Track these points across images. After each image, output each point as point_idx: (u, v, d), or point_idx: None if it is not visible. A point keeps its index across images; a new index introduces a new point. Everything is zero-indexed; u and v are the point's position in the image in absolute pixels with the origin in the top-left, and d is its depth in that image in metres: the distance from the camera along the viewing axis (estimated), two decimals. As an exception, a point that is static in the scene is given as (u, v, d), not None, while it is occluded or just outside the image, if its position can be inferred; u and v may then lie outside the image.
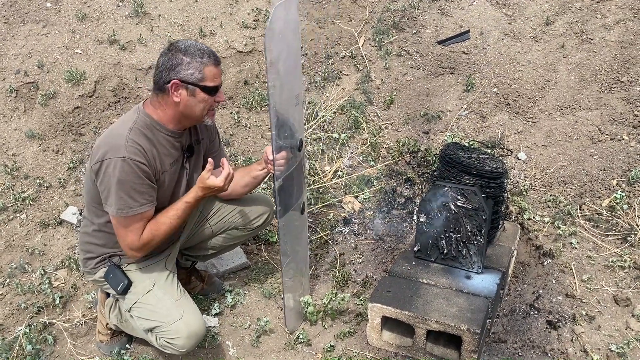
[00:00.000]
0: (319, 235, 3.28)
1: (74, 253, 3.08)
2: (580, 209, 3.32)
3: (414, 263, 2.77)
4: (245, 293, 2.92)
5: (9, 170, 3.42)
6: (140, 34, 4.15)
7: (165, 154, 2.25)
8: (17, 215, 3.27)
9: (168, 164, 2.27)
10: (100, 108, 3.84)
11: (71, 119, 3.75)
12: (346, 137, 3.92)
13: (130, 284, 2.33)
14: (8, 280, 2.94)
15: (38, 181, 3.42)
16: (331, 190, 3.62)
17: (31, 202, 3.32)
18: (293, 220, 2.52)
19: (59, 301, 2.80)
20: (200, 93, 2.15)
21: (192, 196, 2.24)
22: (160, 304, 2.28)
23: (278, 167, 2.28)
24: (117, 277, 2.32)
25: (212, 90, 2.17)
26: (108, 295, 2.54)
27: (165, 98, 2.17)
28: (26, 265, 3.01)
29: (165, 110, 2.20)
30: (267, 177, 2.59)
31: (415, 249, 2.79)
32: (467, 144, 3.64)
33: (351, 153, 3.88)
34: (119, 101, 3.91)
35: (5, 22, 4.03)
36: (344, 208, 3.51)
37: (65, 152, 3.61)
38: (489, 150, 3.34)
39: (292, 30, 2.25)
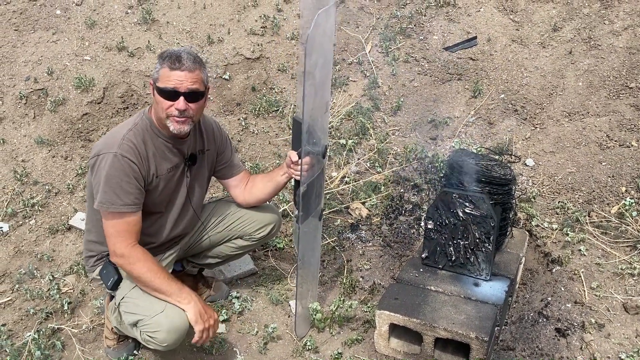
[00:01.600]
0: (326, 242, 3.28)
1: (82, 259, 3.10)
2: (589, 216, 3.30)
3: (421, 270, 2.76)
4: (252, 299, 2.92)
5: (18, 176, 3.44)
6: (149, 41, 4.18)
7: (163, 158, 2.29)
8: (27, 221, 3.29)
9: (165, 168, 2.30)
10: (108, 114, 3.86)
11: (80, 126, 3.77)
12: (353, 143, 3.92)
13: (120, 279, 2.33)
14: (17, 285, 2.95)
15: (47, 187, 3.45)
16: (338, 196, 3.62)
17: (40, 208, 3.34)
18: (311, 226, 2.53)
19: (68, 307, 2.81)
20: (156, 93, 2.20)
21: (178, 292, 2.20)
22: (143, 297, 2.26)
23: (304, 172, 2.30)
24: (109, 273, 2.34)
25: (163, 92, 2.17)
26: (112, 297, 2.55)
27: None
28: (35, 271, 3.02)
29: (153, 110, 2.28)
30: (287, 183, 2.60)
31: (423, 255, 2.78)
32: (474, 151, 3.63)
33: (358, 159, 3.88)
34: (127, 107, 3.93)
35: (15, 30, 4.07)
36: (351, 214, 3.51)
37: (74, 158, 3.63)
38: (497, 157, 3.33)
39: (329, 39, 2.26)
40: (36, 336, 2.64)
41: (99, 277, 2.41)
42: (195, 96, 2.21)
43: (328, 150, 2.51)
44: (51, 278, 2.98)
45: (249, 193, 2.64)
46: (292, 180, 2.47)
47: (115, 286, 2.33)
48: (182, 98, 2.17)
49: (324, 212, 3.44)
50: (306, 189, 2.33)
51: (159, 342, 2.21)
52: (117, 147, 2.17)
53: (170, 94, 2.17)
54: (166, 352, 2.47)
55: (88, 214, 2.41)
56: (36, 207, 3.34)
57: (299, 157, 2.31)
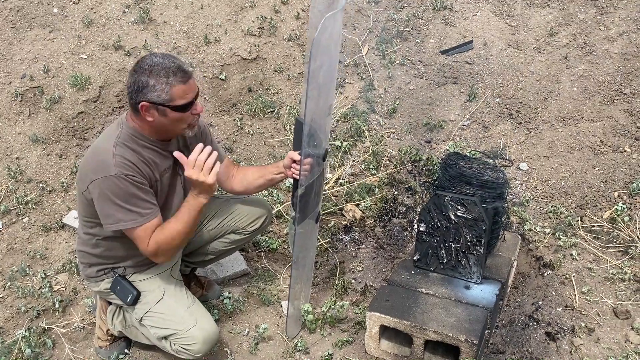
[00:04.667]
0: (320, 243, 3.29)
1: (75, 257, 3.10)
2: (581, 221, 3.32)
3: (413, 272, 2.77)
4: (244, 300, 2.92)
5: (12, 173, 3.44)
6: (146, 40, 4.18)
7: (155, 163, 2.25)
8: (20, 218, 3.29)
9: (160, 172, 2.28)
10: (104, 113, 3.86)
11: (75, 124, 3.77)
12: (348, 145, 3.93)
13: (139, 294, 2.34)
14: (9, 283, 2.95)
15: (41, 185, 3.45)
16: (332, 197, 3.63)
17: (34, 206, 3.34)
18: (308, 228, 2.54)
19: (59, 305, 2.81)
20: (172, 112, 2.12)
21: (191, 202, 2.19)
22: (172, 312, 2.31)
23: (304, 173, 2.30)
24: (124, 288, 2.34)
25: (184, 108, 2.13)
26: (110, 302, 2.54)
27: (140, 117, 2.15)
28: (27, 269, 3.03)
29: (143, 126, 2.19)
30: (280, 182, 2.61)
31: (414, 258, 2.79)
32: (468, 154, 3.64)
33: (353, 161, 3.89)
34: (123, 106, 3.93)
35: (12, 27, 4.07)
36: (344, 216, 3.52)
37: (68, 157, 3.64)
38: (490, 161, 3.34)
39: (335, 42, 2.26)
40: (27, 334, 2.64)
41: (107, 291, 2.40)
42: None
43: (328, 153, 2.51)
44: (43, 276, 2.99)
45: (239, 182, 2.63)
46: (290, 180, 2.48)
47: (134, 301, 2.34)
48: (197, 101, 2.18)
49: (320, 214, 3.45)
50: (304, 191, 2.33)
51: (194, 353, 2.27)
52: (113, 166, 2.08)
53: (189, 106, 2.14)
54: (158, 351, 2.49)
55: (83, 231, 2.36)
56: (30, 204, 3.34)
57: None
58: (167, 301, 2.34)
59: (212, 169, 2.12)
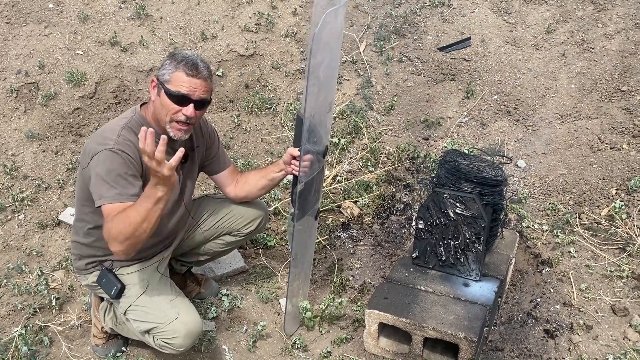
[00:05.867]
0: (318, 240, 3.28)
1: (72, 259, 3.08)
2: (579, 218, 3.32)
3: (412, 270, 2.76)
4: (242, 297, 2.91)
5: (8, 170, 3.41)
6: (142, 36, 4.15)
7: None
8: (16, 215, 3.26)
9: None
10: (100, 109, 3.84)
11: (71, 120, 3.74)
12: (346, 142, 3.91)
13: (123, 287, 2.32)
14: (5, 280, 2.93)
15: (37, 182, 3.42)
16: (330, 195, 3.62)
17: (30, 203, 3.32)
18: (307, 225, 2.53)
19: (56, 303, 2.79)
20: (164, 95, 2.15)
21: (147, 191, 2.00)
22: (154, 305, 2.28)
23: (303, 169, 2.29)
24: (110, 281, 2.32)
25: (173, 96, 2.14)
26: (102, 299, 2.53)
27: (150, 100, 2.25)
28: (23, 266, 3.00)
29: (151, 109, 2.25)
30: (282, 180, 2.59)
31: (413, 255, 2.78)
32: (466, 151, 3.64)
33: (351, 158, 3.88)
34: (119, 103, 3.91)
35: (7, 22, 4.03)
36: (342, 213, 3.51)
37: (64, 153, 3.61)
38: (489, 158, 3.34)
39: (337, 38, 2.25)
40: (23, 332, 2.62)
41: (95, 285, 2.39)
42: (203, 105, 2.21)
43: (328, 150, 2.50)
44: (40, 273, 2.96)
45: (241, 188, 2.62)
46: (290, 177, 2.47)
47: (119, 295, 2.32)
48: (192, 105, 2.16)
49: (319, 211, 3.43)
50: (304, 187, 2.32)
51: (176, 347, 2.24)
52: (114, 142, 2.13)
53: (181, 99, 2.14)
54: (155, 349, 2.47)
55: (78, 218, 2.36)
56: (25, 201, 3.31)
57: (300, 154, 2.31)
58: (150, 294, 2.31)
59: (163, 161, 1.91)
